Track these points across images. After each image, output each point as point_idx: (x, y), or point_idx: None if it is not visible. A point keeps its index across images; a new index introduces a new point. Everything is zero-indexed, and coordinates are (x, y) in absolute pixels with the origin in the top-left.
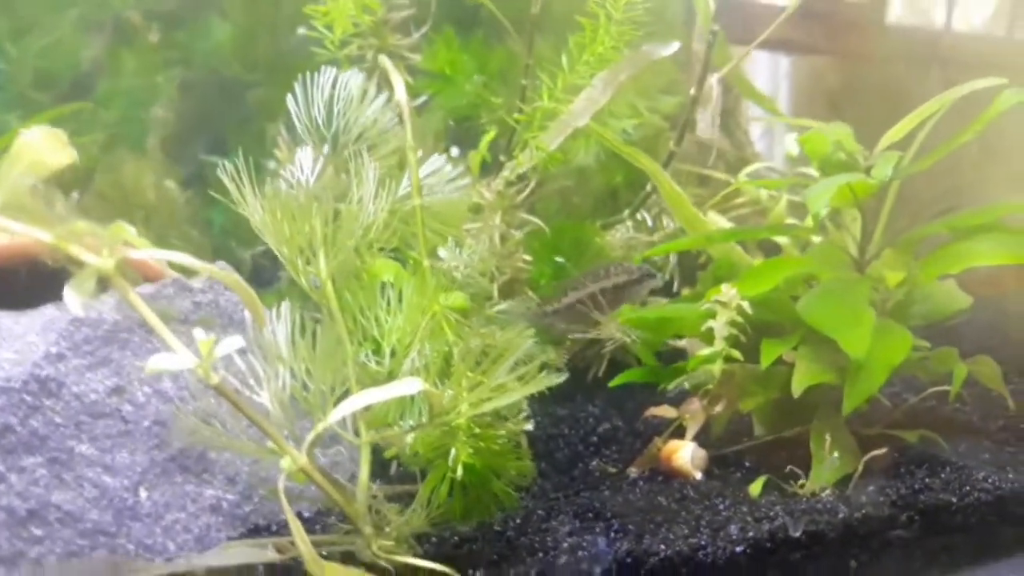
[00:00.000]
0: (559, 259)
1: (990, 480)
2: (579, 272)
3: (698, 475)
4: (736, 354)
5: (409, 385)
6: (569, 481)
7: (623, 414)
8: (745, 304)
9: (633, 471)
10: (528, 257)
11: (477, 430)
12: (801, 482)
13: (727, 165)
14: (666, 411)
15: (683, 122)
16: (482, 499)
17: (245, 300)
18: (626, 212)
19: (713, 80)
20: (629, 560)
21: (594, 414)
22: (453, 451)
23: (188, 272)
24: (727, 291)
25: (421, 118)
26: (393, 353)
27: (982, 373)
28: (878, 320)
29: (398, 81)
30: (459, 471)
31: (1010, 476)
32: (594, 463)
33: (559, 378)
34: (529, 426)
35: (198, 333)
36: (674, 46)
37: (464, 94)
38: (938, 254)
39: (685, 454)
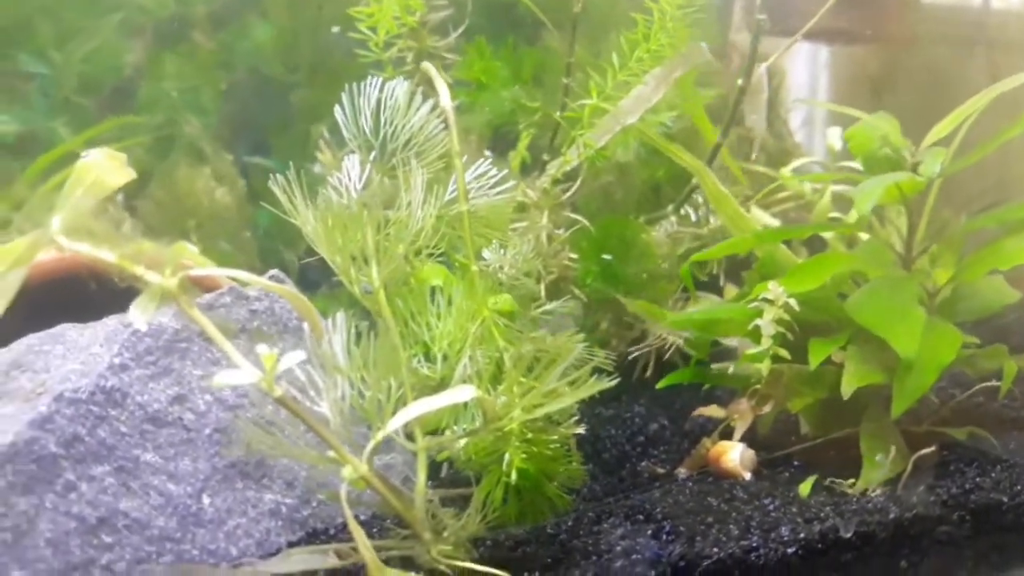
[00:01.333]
0: (605, 256)
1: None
2: (626, 268)
3: (747, 476)
4: (783, 353)
5: (463, 392)
6: (618, 483)
7: (670, 414)
8: (792, 301)
9: (682, 472)
10: (574, 255)
11: (530, 435)
12: (851, 482)
13: (768, 158)
14: (714, 411)
15: (730, 114)
16: (535, 502)
17: (302, 311)
18: (670, 208)
19: (761, 70)
20: (682, 563)
21: (641, 415)
22: (507, 456)
23: (242, 280)
24: (774, 289)
25: (462, 123)
26: (445, 358)
27: None
28: (927, 318)
29: (442, 86)
30: (513, 475)
31: None
32: (643, 464)
33: (610, 382)
34: (580, 429)
35: (261, 348)
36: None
37: (501, 100)
38: (987, 250)
39: (734, 455)
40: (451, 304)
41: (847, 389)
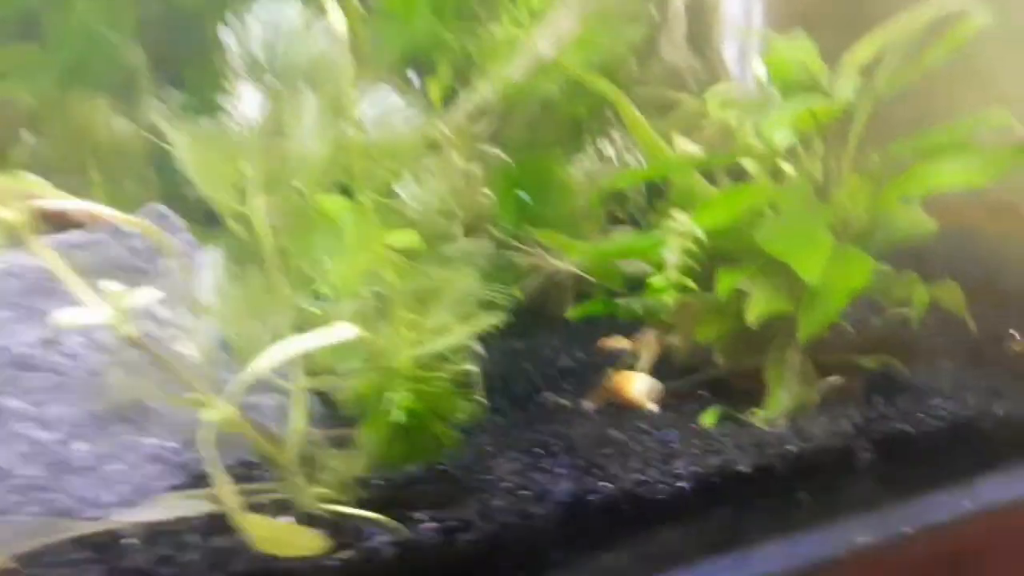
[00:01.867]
0: (522, 194)
1: (947, 407)
2: (543, 206)
3: (652, 407)
4: (690, 283)
5: (341, 331)
6: (524, 416)
7: (585, 348)
8: (699, 232)
9: (588, 404)
10: (490, 192)
11: (418, 372)
12: (757, 412)
13: (701, 90)
14: (619, 342)
15: (646, 45)
16: (424, 441)
17: (161, 246)
18: (588, 143)
19: (679, 2)
20: (570, 499)
21: (555, 347)
22: (393, 395)
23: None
24: (680, 219)
25: (375, 52)
26: (334, 297)
27: (946, 298)
28: (838, 246)
29: (334, 10)
30: (398, 414)
31: (969, 402)
32: (546, 396)
33: (500, 317)
34: (472, 367)
35: (109, 285)
36: None
37: (414, 29)
38: (901, 177)
39: (638, 386)
40: (344, 240)
41: (751, 317)
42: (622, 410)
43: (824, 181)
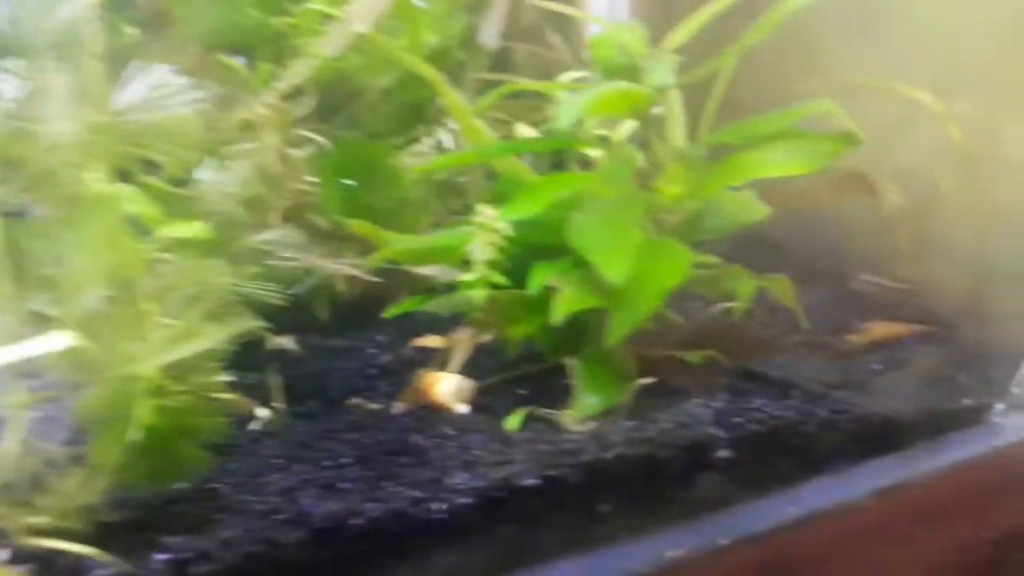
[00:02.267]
0: (348, 182)
1: (767, 409)
2: (371, 195)
3: (462, 408)
4: (500, 279)
5: (54, 339)
6: (326, 422)
7: (408, 347)
8: (505, 226)
9: (399, 406)
10: (313, 179)
11: (163, 383)
12: (565, 412)
13: (542, 72)
14: (432, 341)
15: (467, 30)
16: (170, 460)
17: None
18: (425, 131)
19: None
20: (330, 522)
21: (378, 346)
22: (130, 409)
23: None
24: (485, 212)
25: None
26: (71, 297)
27: (775, 289)
28: (655, 238)
29: None
30: (135, 432)
31: (794, 403)
32: (352, 400)
33: (247, 323)
34: (224, 377)
35: None
36: None
37: (238, 12)
38: (725, 164)
39: (445, 386)
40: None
41: (557, 314)
42: (431, 412)
43: (647, 170)
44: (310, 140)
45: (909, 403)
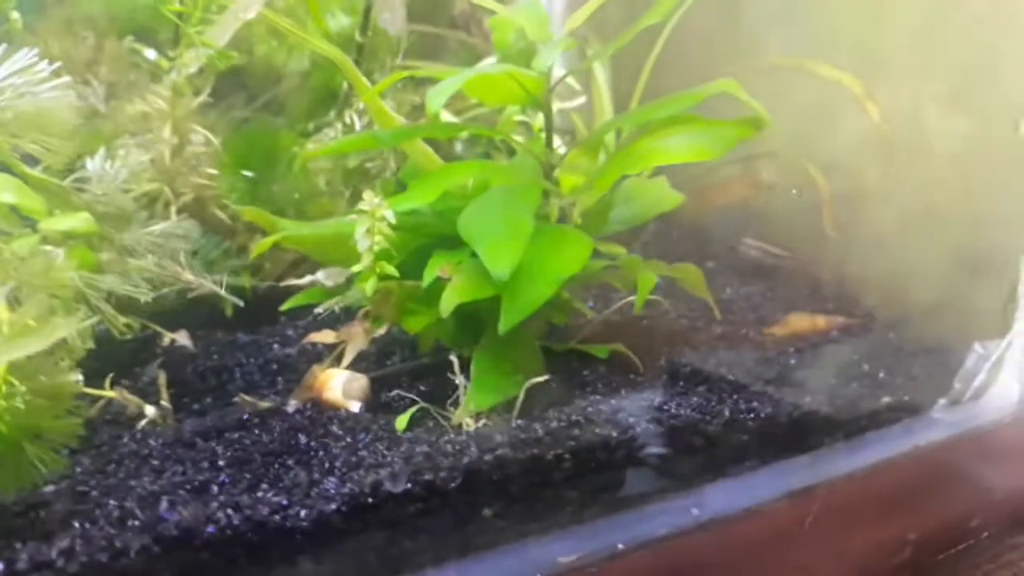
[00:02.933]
0: (248, 172)
1: (668, 407)
2: (274, 185)
3: (355, 406)
4: (391, 270)
5: None
6: (216, 421)
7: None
8: (390, 214)
9: (293, 403)
10: (214, 171)
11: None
12: (456, 410)
13: (455, 59)
14: (326, 336)
15: (365, 12)
16: (17, 466)
17: None
18: (332, 115)
19: None
20: (177, 533)
21: (286, 339)
22: None
23: None
24: (370, 200)
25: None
26: None
27: (685, 279)
28: (553, 228)
29: None
30: None
31: (696, 400)
32: (238, 398)
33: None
34: (75, 376)
35: None
36: None
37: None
38: (624, 153)
39: (337, 384)
40: None
41: (444, 306)
42: (322, 411)
43: (547, 157)
44: (213, 129)
45: (824, 401)
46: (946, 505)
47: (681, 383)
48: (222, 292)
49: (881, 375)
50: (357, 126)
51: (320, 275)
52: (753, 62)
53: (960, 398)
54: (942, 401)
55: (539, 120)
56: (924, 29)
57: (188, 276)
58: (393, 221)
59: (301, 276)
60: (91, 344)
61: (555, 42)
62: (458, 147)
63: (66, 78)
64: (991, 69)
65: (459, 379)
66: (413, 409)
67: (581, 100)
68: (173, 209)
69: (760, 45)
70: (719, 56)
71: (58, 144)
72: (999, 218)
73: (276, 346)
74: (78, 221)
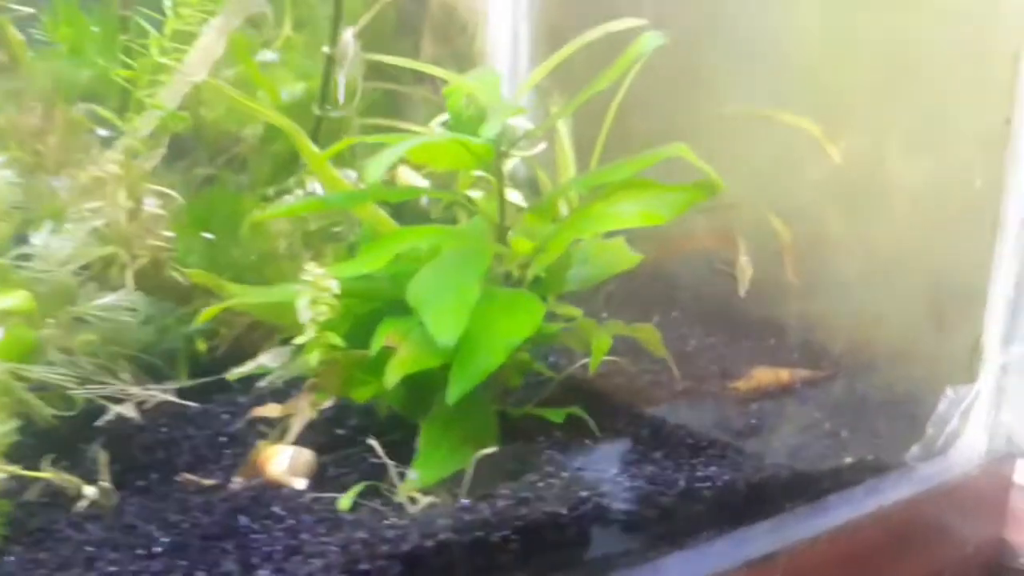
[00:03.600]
0: (207, 236)
1: (621, 478)
2: (232, 249)
3: (300, 483)
4: (336, 340)
5: None
6: (157, 501)
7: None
8: (334, 285)
9: (238, 481)
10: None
11: None
12: (401, 486)
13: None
14: (270, 410)
15: (323, 83)
16: None
17: None
18: (292, 180)
19: (348, 35)
20: None
21: (235, 410)
22: None
23: None
24: (313, 270)
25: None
26: None
27: (643, 339)
28: (505, 292)
29: None
30: None
31: (651, 468)
32: (180, 477)
33: None
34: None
35: None
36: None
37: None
38: (576, 217)
39: (281, 460)
40: None
41: (389, 379)
42: (266, 489)
43: (500, 220)
44: (172, 191)
45: (786, 462)
46: (916, 563)
47: (639, 448)
48: (165, 396)
49: (844, 433)
50: (319, 191)
51: (264, 358)
52: (715, 110)
53: (933, 443)
54: (915, 448)
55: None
56: (885, 79)
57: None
58: (337, 291)
59: (257, 340)
60: (15, 437)
61: (501, 109)
62: (423, 201)
63: None
64: (951, 120)
65: (390, 463)
66: (358, 487)
67: (542, 147)
68: (129, 274)
69: (722, 91)
70: (682, 102)
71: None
72: (961, 266)
73: (226, 416)
74: (16, 299)
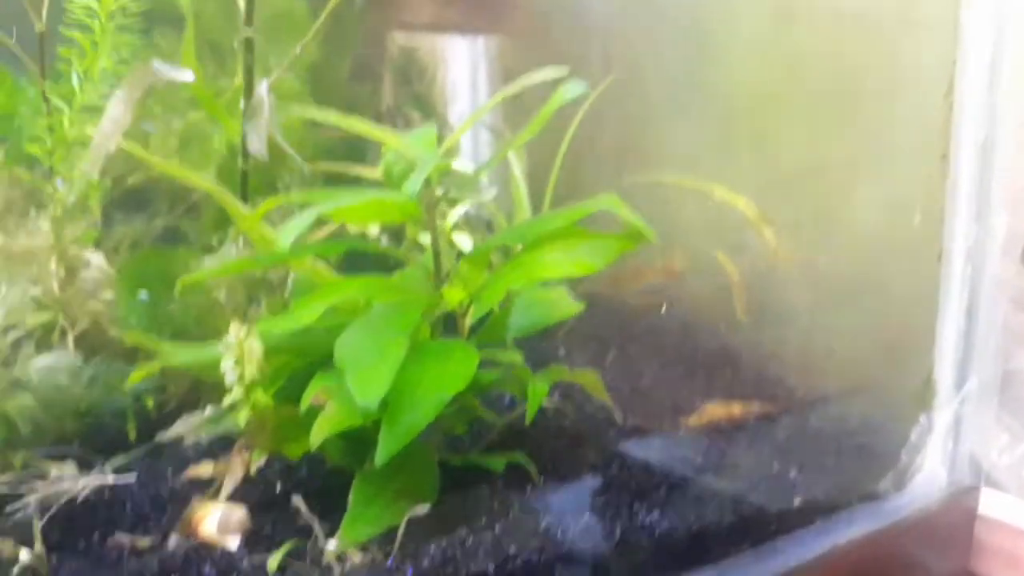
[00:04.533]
0: (143, 294)
1: (556, 530)
2: (170, 305)
3: (233, 541)
4: (263, 398)
5: None
6: (92, 563)
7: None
8: (257, 346)
9: (175, 540)
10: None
11: None
12: (330, 543)
13: None
14: (204, 469)
15: (243, 138)
16: None
17: None
18: (231, 231)
19: (262, 89)
20: None
21: (178, 466)
22: None
23: None
24: (235, 329)
25: None
26: None
27: (586, 384)
28: (437, 345)
29: None
30: None
31: (584, 518)
32: (114, 538)
33: None
34: None
35: None
36: (187, 73)
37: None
38: (510, 266)
39: (212, 519)
40: None
41: (314, 439)
42: (200, 548)
43: (436, 273)
44: (117, 249)
45: (728, 508)
46: None
47: (580, 495)
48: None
49: (794, 472)
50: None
51: (178, 426)
52: (655, 177)
53: (906, 472)
54: (887, 478)
55: (449, 220)
56: (824, 117)
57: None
58: (259, 353)
59: (207, 393)
60: None
61: (425, 165)
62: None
63: None
64: (889, 157)
65: (316, 525)
66: (286, 547)
67: (492, 193)
68: (70, 338)
69: (666, 129)
70: (629, 149)
71: None
72: (908, 299)
73: (171, 470)
74: None
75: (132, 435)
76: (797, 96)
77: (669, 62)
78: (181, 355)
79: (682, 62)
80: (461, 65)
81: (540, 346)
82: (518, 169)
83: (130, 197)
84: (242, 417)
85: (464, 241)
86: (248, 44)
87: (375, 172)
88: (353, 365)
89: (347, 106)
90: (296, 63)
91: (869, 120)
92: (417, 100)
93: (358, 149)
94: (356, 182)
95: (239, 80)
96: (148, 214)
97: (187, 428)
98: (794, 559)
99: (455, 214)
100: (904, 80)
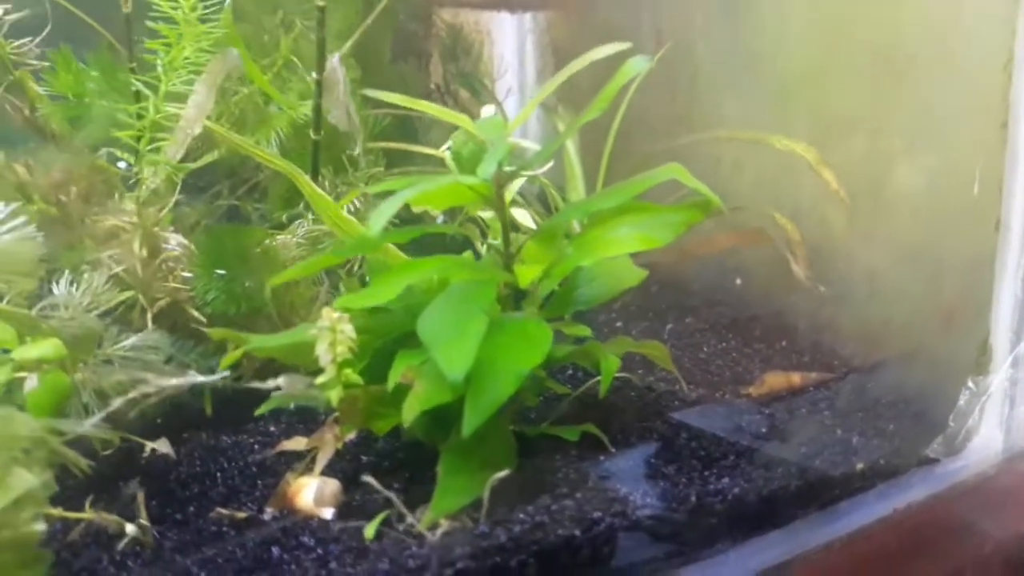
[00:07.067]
0: (220, 271)
1: (634, 496)
2: (245, 282)
3: (328, 512)
4: (355, 378)
5: None
6: (191, 534)
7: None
8: (350, 329)
9: (270, 511)
10: (189, 274)
11: None
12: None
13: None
14: (297, 443)
15: (315, 110)
16: None
17: None
18: (301, 206)
19: (334, 61)
20: None
21: (264, 441)
22: None
23: None
24: (328, 313)
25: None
26: None
27: (652, 355)
28: (512, 322)
29: None
30: None
31: (663, 484)
32: (214, 512)
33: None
34: (40, 526)
35: None
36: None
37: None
38: (578, 244)
39: (309, 492)
40: None
41: (407, 416)
42: (296, 520)
43: (505, 249)
44: (197, 227)
45: (795, 473)
46: (935, 565)
47: (652, 463)
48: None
49: (855, 438)
50: None
51: (281, 381)
52: (711, 132)
53: (955, 437)
54: (937, 442)
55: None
56: (881, 87)
57: (163, 382)
58: (354, 336)
59: (279, 370)
60: (55, 489)
61: (497, 149)
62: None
63: (22, 218)
64: (949, 126)
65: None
66: (381, 516)
67: (548, 166)
68: (149, 316)
69: (721, 102)
70: (681, 118)
71: (21, 280)
72: (965, 267)
73: (257, 447)
74: (48, 347)
75: (208, 411)
76: (851, 65)
77: (719, 31)
78: (269, 344)
79: (732, 31)
80: (508, 41)
81: (599, 319)
82: (571, 146)
83: (193, 178)
84: (334, 396)
85: (522, 215)
86: (320, 17)
87: (426, 150)
88: (437, 340)
89: (395, 85)
90: (342, 41)
91: (928, 89)
92: (465, 78)
93: (410, 128)
94: (410, 159)
95: (280, 60)
96: (211, 195)
97: (289, 387)
98: (856, 521)
99: (513, 189)
100: (962, 49)
